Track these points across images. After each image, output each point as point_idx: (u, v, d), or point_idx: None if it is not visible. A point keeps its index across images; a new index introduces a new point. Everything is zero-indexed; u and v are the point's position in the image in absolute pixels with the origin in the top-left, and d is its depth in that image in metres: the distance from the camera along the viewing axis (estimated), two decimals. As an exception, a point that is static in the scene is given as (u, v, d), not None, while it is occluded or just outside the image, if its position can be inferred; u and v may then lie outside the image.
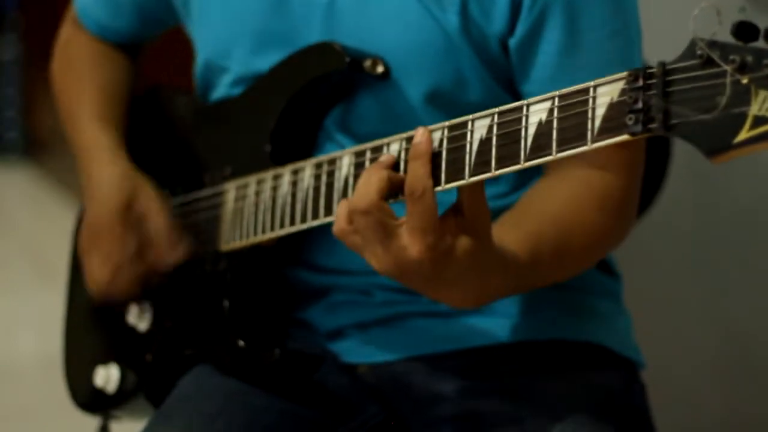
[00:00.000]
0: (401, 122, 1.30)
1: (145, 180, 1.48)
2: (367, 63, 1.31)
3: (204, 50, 1.46)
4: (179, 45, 1.56)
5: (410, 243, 1.10)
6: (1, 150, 4.63)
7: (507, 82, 1.33)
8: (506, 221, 1.25)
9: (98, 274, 1.47)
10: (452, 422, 1.36)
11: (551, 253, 1.23)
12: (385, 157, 1.15)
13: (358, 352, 1.42)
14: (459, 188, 1.11)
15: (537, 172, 1.32)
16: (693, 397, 2.17)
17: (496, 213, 1.27)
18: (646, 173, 1.36)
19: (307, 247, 1.40)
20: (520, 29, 1.28)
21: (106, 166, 1.49)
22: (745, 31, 0.90)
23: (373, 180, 1.11)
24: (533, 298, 1.38)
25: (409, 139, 1.13)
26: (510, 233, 1.20)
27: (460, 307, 1.18)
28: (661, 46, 1.58)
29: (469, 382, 1.37)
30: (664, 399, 1.66)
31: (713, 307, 2.13)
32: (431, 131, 1.12)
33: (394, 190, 1.13)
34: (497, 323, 1.38)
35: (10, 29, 4.55)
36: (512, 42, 1.29)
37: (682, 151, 1.70)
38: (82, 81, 1.58)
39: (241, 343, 1.35)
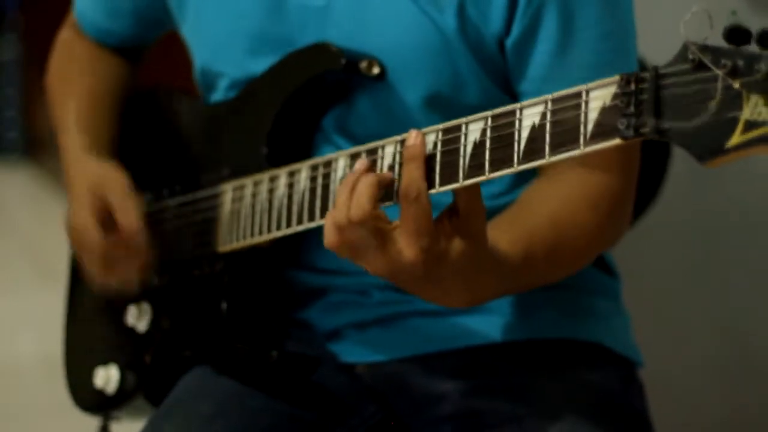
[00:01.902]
0: (399, 124, 1.30)
1: (119, 177, 1.46)
2: (363, 64, 1.31)
3: (200, 54, 1.46)
4: (179, 46, 1.56)
5: (405, 246, 1.09)
6: (1, 150, 4.63)
7: (504, 83, 1.33)
8: (500, 222, 1.25)
9: (91, 272, 1.48)
10: (451, 421, 1.37)
11: (545, 254, 1.23)
12: (360, 164, 1.13)
13: (356, 351, 1.42)
14: (455, 190, 1.11)
15: (533, 171, 1.32)
16: (692, 397, 2.17)
17: (493, 212, 1.27)
18: (646, 173, 1.36)
19: (304, 247, 1.40)
20: (516, 28, 1.28)
21: (80, 165, 1.50)
22: (737, 34, 0.90)
23: (362, 188, 1.10)
24: (532, 297, 1.38)
25: (404, 142, 1.13)
26: (504, 234, 1.20)
27: (452, 306, 1.18)
28: (658, 45, 1.58)
29: (467, 382, 1.37)
30: (663, 398, 1.66)
31: (713, 307, 2.13)
32: (425, 134, 1.11)
33: (384, 192, 1.12)
34: (495, 323, 1.38)
35: (10, 29, 4.55)
36: (508, 42, 1.29)
37: (681, 150, 1.70)
38: (71, 85, 1.58)
39: (240, 345, 1.35)
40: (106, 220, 1.45)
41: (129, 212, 1.43)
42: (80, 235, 1.47)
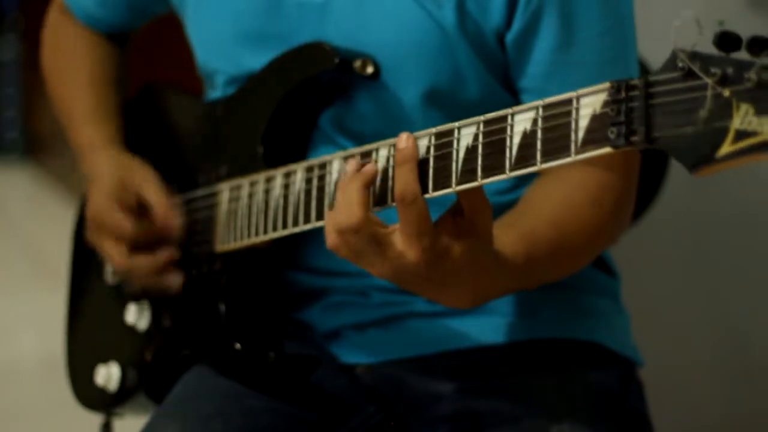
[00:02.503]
0: (399, 121, 1.30)
1: (139, 162, 1.47)
2: (357, 63, 1.30)
3: (199, 50, 1.46)
4: (180, 44, 1.56)
5: (406, 248, 1.09)
6: (1, 150, 4.63)
7: (504, 79, 1.32)
8: (503, 222, 1.24)
9: (116, 256, 1.45)
10: (449, 422, 1.36)
11: (547, 253, 1.23)
12: (350, 166, 1.13)
13: (355, 352, 1.42)
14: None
15: None
16: (691, 396, 2.17)
17: (499, 209, 1.27)
18: (646, 174, 1.35)
19: (303, 249, 1.40)
20: (517, 24, 1.28)
21: (98, 158, 1.50)
22: (727, 41, 0.88)
23: (352, 195, 1.10)
24: (531, 297, 1.38)
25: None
26: (506, 234, 1.20)
27: (456, 306, 1.18)
28: (658, 44, 1.58)
29: (466, 382, 1.37)
30: (662, 398, 1.66)
31: (712, 307, 2.13)
32: (417, 138, 1.10)
33: (376, 195, 1.12)
34: (495, 323, 1.38)
35: (10, 29, 4.56)
36: (509, 37, 1.29)
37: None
38: (74, 76, 1.58)
39: (238, 345, 1.35)
40: (134, 208, 1.44)
41: (164, 201, 1.43)
42: (103, 216, 1.45)
